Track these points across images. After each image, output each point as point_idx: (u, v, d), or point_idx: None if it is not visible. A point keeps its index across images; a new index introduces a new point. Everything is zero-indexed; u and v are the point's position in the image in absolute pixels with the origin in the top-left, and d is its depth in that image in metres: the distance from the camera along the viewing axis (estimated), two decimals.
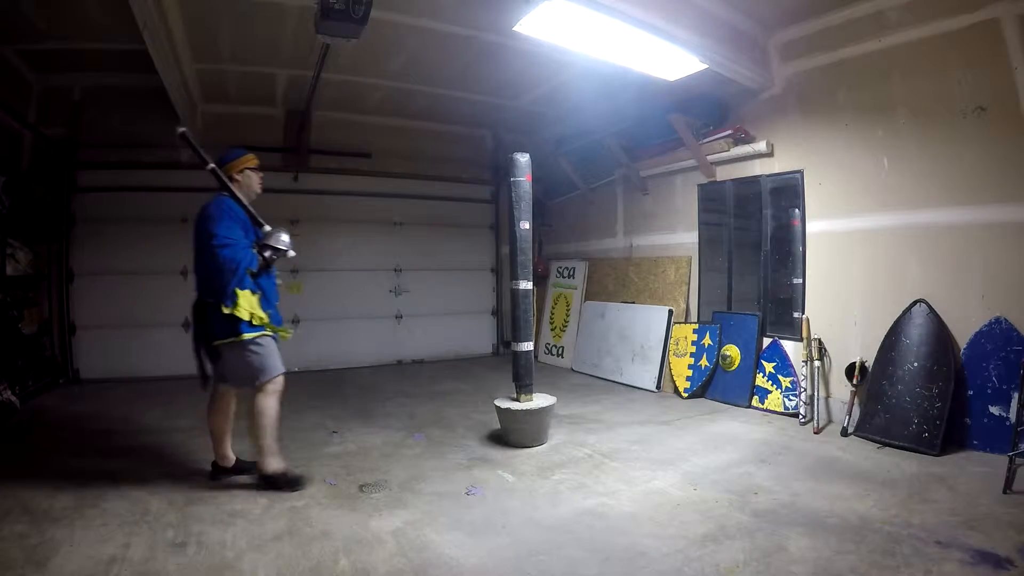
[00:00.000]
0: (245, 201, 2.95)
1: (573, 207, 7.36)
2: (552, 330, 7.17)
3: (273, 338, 2.95)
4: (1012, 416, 3.15)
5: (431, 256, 7.39)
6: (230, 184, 2.91)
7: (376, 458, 3.49)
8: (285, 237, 2.99)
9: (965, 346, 3.50)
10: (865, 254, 4.10)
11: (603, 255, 6.80)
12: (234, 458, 3.12)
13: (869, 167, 4.05)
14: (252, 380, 2.88)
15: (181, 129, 2.77)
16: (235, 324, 2.79)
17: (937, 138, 3.68)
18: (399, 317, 7.23)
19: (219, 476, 3.07)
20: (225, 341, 2.83)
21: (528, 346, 3.94)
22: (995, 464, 2.99)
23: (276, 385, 2.92)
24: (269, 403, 2.90)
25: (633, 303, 6.03)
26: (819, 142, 4.38)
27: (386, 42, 4.83)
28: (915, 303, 3.73)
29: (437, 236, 7.44)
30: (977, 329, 3.45)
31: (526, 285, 3.95)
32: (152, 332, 5.99)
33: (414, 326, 7.27)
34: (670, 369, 5.33)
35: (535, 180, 4.12)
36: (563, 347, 6.90)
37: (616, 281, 6.40)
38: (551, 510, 2.73)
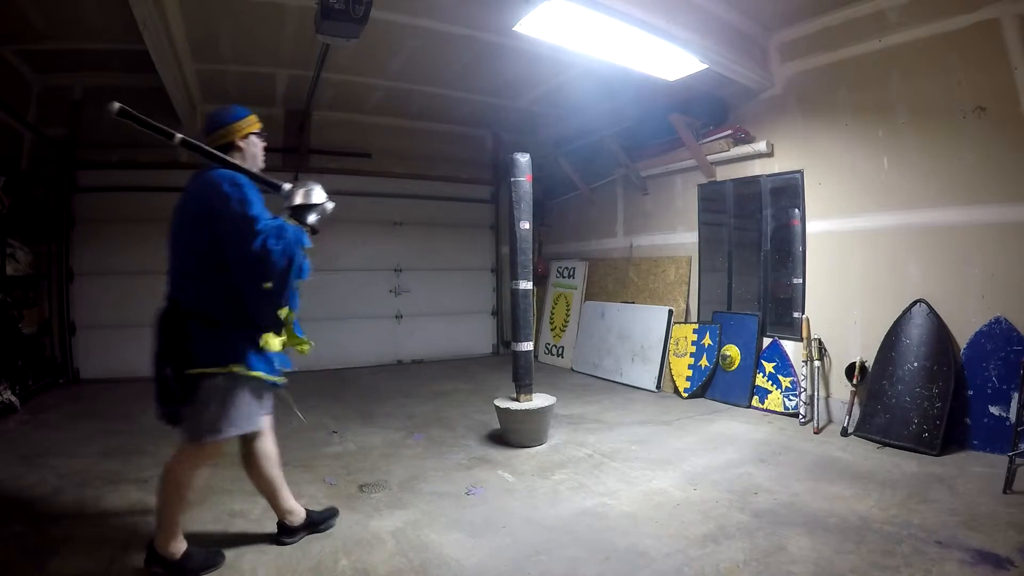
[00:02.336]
0: (249, 168, 2.17)
1: (573, 207, 7.36)
2: (552, 330, 7.17)
3: (275, 385, 2.18)
4: (1012, 416, 3.15)
5: (431, 256, 7.39)
6: (224, 156, 2.11)
7: (376, 458, 3.49)
8: (317, 188, 2.15)
9: (965, 346, 3.50)
10: (865, 254, 4.10)
11: (603, 255, 6.80)
12: (303, 511, 2.43)
13: (869, 167, 4.05)
14: (207, 430, 2.03)
15: (116, 105, 1.90)
16: (233, 350, 2.04)
17: (937, 138, 3.68)
18: (399, 317, 7.23)
19: (288, 539, 2.36)
20: (209, 370, 2.00)
21: (528, 346, 3.94)
22: (995, 464, 2.99)
23: (219, 448, 2.11)
24: (197, 473, 2.11)
25: (633, 303, 6.03)
26: (819, 142, 4.38)
27: (386, 42, 4.83)
28: (915, 303, 3.73)
29: (437, 236, 7.44)
30: (977, 329, 3.45)
31: (526, 285, 3.95)
32: (152, 332, 5.98)
33: (414, 326, 7.27)
34: (670, 369, 5.33)
35: (535, 180, 4.12)
36: (563, 347, 6.90)
37: (616, 281, 6.40)
38: (551, 510, 2.72)
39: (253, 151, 2.27)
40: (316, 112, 6.52)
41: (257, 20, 4.41)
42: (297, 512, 2.40)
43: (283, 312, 2.09)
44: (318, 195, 2.14)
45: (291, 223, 2.05)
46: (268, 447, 2.33)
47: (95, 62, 5.33)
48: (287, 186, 2.16)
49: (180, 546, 2.12)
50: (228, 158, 2.12)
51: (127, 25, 3.82)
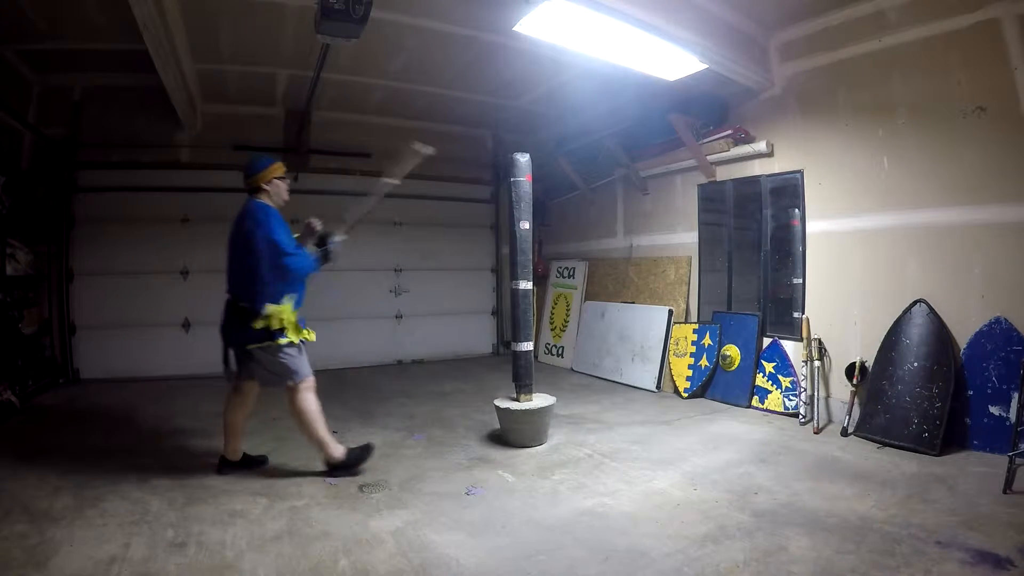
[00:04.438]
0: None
1: (573, 207, 7.35)
2: (552, 330, 7.17)
3: (302, 343, 3.02)
4: (1012, 416, 3.15)
5: (431, 256, 7.39)
6: (251, 195, 2.98)
7: (376, 458, 3.47)
8: (338, 238, 3.12)
9: (965, 346, 3.50)
10: (865, 254, 4.10)
11: (603, 255, 6.80)
12: (242, 452, 3.18)
13: (869, 167, 4.05)
14: (284, 382, 2.96)
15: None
16: (274, 329, 2.86)
17: (937, 138, 3.68)
18: (399, 317, 7.23)
19: (226, 470, 3.11)
20: (260, 345, 2.88)
21: (528, 346, 3.94)
22: (995, 464, 2.99)
23: (308, 383, 3.02)
24: (308, 399, 3.00)
25: (633, 303, 6.03)
26: (819, 142, 4.38)
27: (386, 42, 4.82)
28: (915, 303, 3.73)
29: (437, 236, 7.44)
30: (977, 329, 3.45)
31: (526, 285, 3.95)
32: (152, 332, 5.99)
33: (414, 326, 7.27)
34: (670, 369, 5.33)
35: (535, 180, 4.12)
36: (563, 347, 6.90)
37: (616, 281, 6.40)
38: (551, 510, 2.73)
39: (277, 191, 3.04)
40: (316, 112, 6.51)
41: (257, 20, 4.41)
42: (239, 452, 3.16)
43: (286, 309, 2.90)
44: (338, 242, 3.10)
45: (316, 259, 3.03)
46: (251, 399, 3.11)
47: (95, 62, 5.33)
48: (319, 227, 3.11)
49: (339, 449, 3.07)
50: (264, 200, 2.99)
51: (127, 25, 3.82)
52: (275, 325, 2.86)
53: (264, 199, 2.97)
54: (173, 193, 5.94)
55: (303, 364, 3.00)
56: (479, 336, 7.80)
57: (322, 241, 3.11)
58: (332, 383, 5.82)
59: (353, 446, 3.18)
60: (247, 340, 2.88)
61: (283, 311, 2.89)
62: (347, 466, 3.08)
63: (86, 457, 3.40)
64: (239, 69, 5.38)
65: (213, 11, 4.25)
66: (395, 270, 7.21)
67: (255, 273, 2.83)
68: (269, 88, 5.92)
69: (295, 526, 2.52)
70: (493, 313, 7.92)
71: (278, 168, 3.04)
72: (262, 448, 3.46)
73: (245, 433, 3.22)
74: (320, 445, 3.05)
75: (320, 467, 3.14)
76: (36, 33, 4.67)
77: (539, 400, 3.85)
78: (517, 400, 3.83)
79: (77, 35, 4.75)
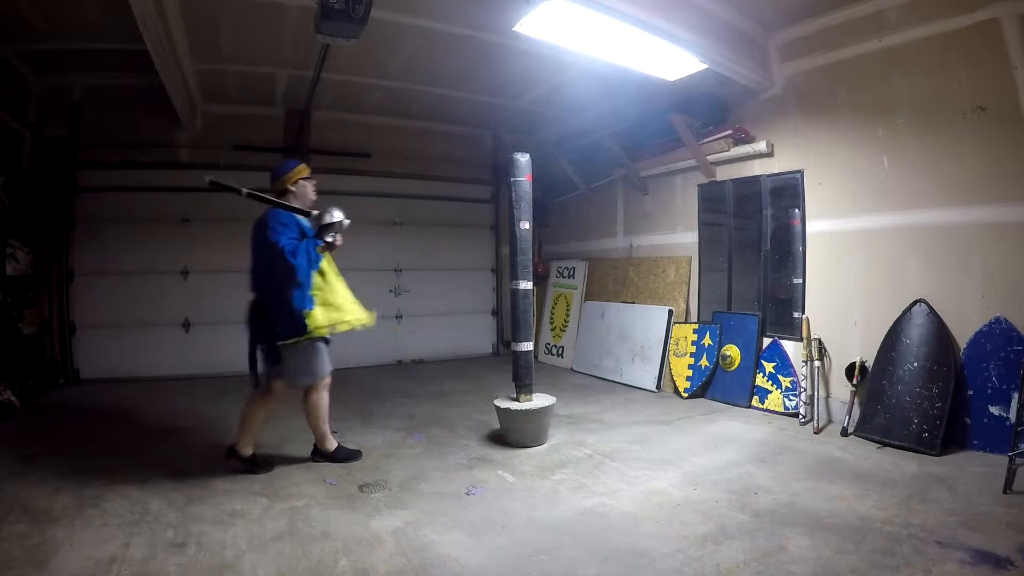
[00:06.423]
0: (298, 205, 3.14)
1: (573, 207, 7.35)
2: (552, 330, 7.17)
3: (326, 340, 3.21)
4: (1012, 416, 3.15)
5: (431, 256, 7.38)
6: (279, 198, 3.08)
7: (376, 458, 3.49)
8: (336, 212, 3.07)
9: (965, 346, 3.50)
10: (865, 254, 4.10)
11: (603, 255, 6.80)
12: (252, 451, 3.24)
13: (869, 167, 4.05)
14: (308, 379, 3.17)
15: (208, 178, 2.82)
16: (298, 326, 2.97)
17: (937, 138, 3.68)
18: (399, 317, 7.23)
19: (233, 460, 3.18)
20: (288, 341, 3.00)
21: (528, 346, 3.94)
22: (995, 464, 2.99)
23: (326, 381, 3.30)
24: (323, 397, 3.31)
25: (633, 303, 6.03)
26: (819, 142, 4.38)
27: (386, 42, 4.82)
28: (915, 303, 3.73)
29: (437, 236, 7.44)
30: (977, 329, 3.45)
31: (526, 285, 3.95)
32: (152, 332, 5.99)
33: (414, 326, 7.27)
34: (670, 369, 5.33)
35: (535, 180, 4.12)
36: (563, 347, 6.90)
37: (616, 281, 6.40)
38: (551, 510, 2.73)
39: (303, 191, 3.20)
40: (316, 112, 6.51)
41: (257, 20, 4.41)
42: (250, 449, 3.22)
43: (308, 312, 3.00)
44: (332, 216, 3.03)
45: (311, 239, 2.97)
46: (277, 401, 3.21)
47: (95, 62, 5.33)
48: (314, 212, 3.06)
49: (333, 443, 3.40)
50: (274, 199, 3.05)
51: (127, 25, 3.82)
52: (319, 322, 3.01)
53: (291, 200, 3.13)
54: (173, 193, 5.94)
55: (324, 363, 3.21)
56: (479, 336, 7.80)
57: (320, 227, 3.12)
58: (332, 383, 5.81)
59: (349, 446, 3.50)
60: (275, 336, 2.99)
61: (314, 314, 3.01)
62: (334, 459, 3.37)
63: (86, 457, 3.40)
64: (239, 69, 5.38)
65: (213, 11, 4.24)
66: (395, 270, 7.21)
67: (273, 275, 2.93)
68: (269, 88, 5.92)
69: (295, 526, 2.52)
70: (493, 313, 7.92)
71: (302, 170, 3.22)
72: (261, 448, 3.46)
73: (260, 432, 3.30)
74: (320, 439, 3.37)
75: (308, 453, 3.44)
76: (36, 33, 4.67)
77: (539, 400, 3.85)
78: (517, 400, 3.83)
79: (77, 35, 4.75)
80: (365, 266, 6.99)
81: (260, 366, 3.09)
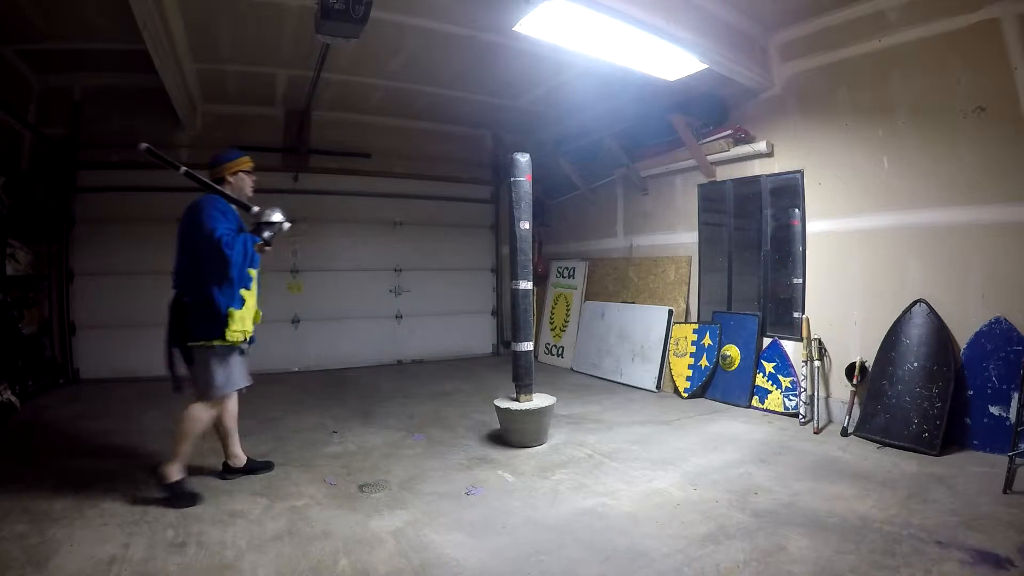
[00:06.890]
0: (235, 197, 2.92)
1: (573, 207, 7.36)
2: (552, 330, 7.17)
3: (240, 352, 2.89)
4: (1012, 416, 3.15)
5: (431, 256, 7.39)
6: (216, 185, 2.87)
7: (376, 458, 3.49)
8: (278, 213, 2.91)
9: (965, 346, 3.50)
10: (865, 254, 4.10)
11: (603, 255, 6.80)
12: (245, 457, 3.15)
13: (869, 167, 4.05)
14: (207, 388, 2.79)
15: (143, 145, 2.51)
16: (213, 328, 2.71)
17: (937, 138, 3.68)
18: (399, 317, 7.23)
19: (229, 476, 3.08)
20: (198, 344, 2.74)
21: (528, 346, 3.94)
22: (995, 464, 3.00)
23: (223, 400, 2.91)
24: (205, 415, 2.83)
25: (633, 303, 6.03)
26: (819, 142, 4.38)
27: (386, 42, 4.83)
28: (915, 303, 3.73)
29: (437, 236, 7.44)
30: (977, 329, 3.45)
31: (526, 285, 3.95)
32: (152, 332, 5.84)
33: (414, 326, 7.27)
34: (670, 369, 5.33)
35: (535, 180, 4.12)
36: (563, 347, 6.90)
37: (616, 281, 6.40)
38: (551, 510, 2.73)
39: (240, 184, 2.99)
40: (316, 112, 6.51)
41: (257, 20, 4.41)
42: (240, 457, 3.11)
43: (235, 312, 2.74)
44: (273, 215, 2.90)
45: (249, 234, 2.82)
46: (232, 405, 3.05)
47: (95, 62, 5.33)
48: (255, 209, 2.90)
49: (177, 474, 2.76)
50: (213, 185, 2.87)
51: (127, 25, 3.82)
52: (235, 327, 2.73)
53: (228, 190, 2.92)
54: (173, 193, 5.89)
55: (232, 376, 2.84)
56: (479, 336, 7.80)
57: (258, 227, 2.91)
58: (332, 383, 5.84)
59: (192, 489, 2.80)
60: (189, 336, 2.74)
61: (236, 316, 2.76)
62: (172, 493, 2.71)
63: (86, 457, 3.40)
64: (239, 69, 5.38)
65: (213, 11, 4.25)
66: (395, 270, 7.21)
67: (199, 266, 2.73)
68: (269, 88, 5.92)
69: (295, 526, 2.52)
70: (493, 313, 7.92)
71: (245, 162, 3.01)
72: (261, 448, 3.46)
73: (242, 434, 3.18)
74: (172, 457, 2.77)
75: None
76: (36, 33, 4.68)
77: (539, 400, 3.85)
78: (517, 400, 3.83)
79: (77, 35, 4.75)
80: (365, 266, 7.02)
81: (179, 368, 2.81)
